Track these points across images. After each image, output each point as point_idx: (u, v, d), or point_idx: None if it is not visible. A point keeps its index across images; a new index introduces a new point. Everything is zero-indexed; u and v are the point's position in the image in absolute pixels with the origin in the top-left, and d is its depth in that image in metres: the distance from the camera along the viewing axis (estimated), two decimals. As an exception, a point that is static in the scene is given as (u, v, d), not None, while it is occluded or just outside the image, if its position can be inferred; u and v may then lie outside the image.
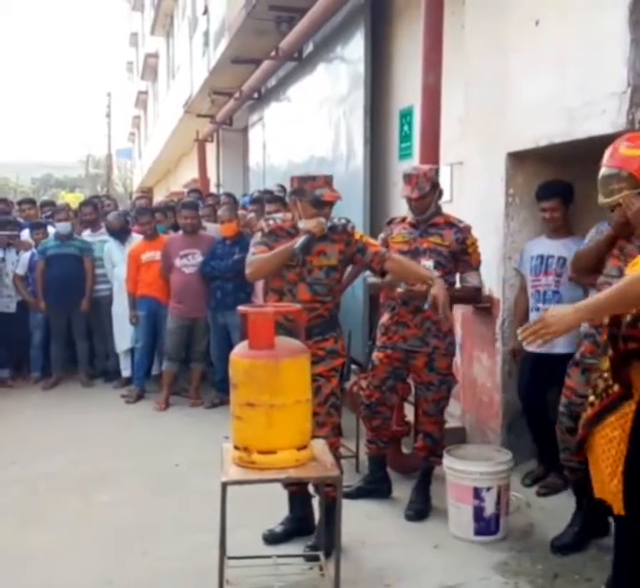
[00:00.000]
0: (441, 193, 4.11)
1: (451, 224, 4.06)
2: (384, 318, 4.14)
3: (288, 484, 3.62)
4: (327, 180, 3.59)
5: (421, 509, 4.02)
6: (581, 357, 3.46)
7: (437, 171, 4.10)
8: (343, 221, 3.62)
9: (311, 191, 3.51)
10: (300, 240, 3.46)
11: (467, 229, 4.06)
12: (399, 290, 3.97)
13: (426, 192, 3.97)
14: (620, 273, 3.18)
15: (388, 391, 4.13)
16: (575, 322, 2.56)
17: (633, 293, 2.46)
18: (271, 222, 3.66)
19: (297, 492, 3.72)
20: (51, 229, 7.57)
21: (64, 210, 7.86)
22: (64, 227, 7.30)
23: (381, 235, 4.24)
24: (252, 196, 7.96)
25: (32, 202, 8.97)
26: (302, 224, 3.53)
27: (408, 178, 4.01)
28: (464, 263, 4.05)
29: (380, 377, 4.10)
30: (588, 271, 3.60)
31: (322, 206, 3.53)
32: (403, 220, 4.20)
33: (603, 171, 3.08)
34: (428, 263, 3.96)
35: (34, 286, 7.33)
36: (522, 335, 2.58)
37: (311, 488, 3.68)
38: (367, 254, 3.58)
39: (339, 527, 2.88)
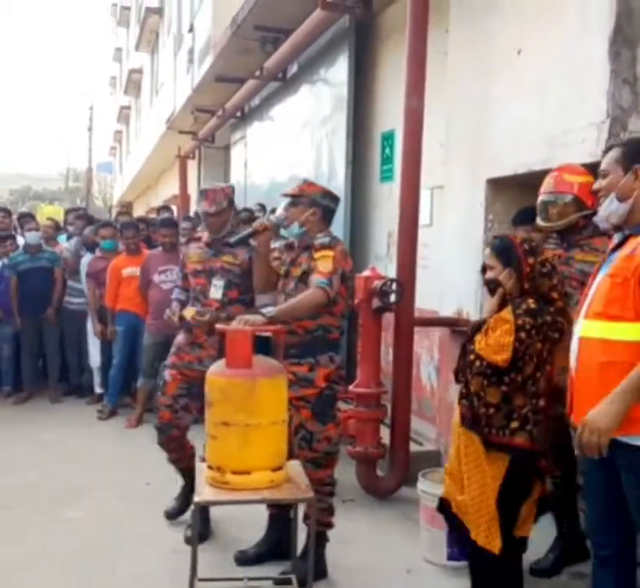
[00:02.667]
0: (237, 212, 4.13)
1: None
2: (180, 337, 4.10)
3: (269, 505, 3.58)
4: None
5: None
6: None
7: (233, 190, 4.10)
8: (322, 240, 3.48)
9: None
10: None
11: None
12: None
13: (223, 208, 3.93)
14: (567, 298, 3.24)
15: (182, 410, 3.99)
16: (622, 414, 2.29)
17: None
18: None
19: (277, 514, 3.67)
20: (20, 240, 7.51)
21: (35, 221, 7.80)
22: (33, 237, 7.23)
23: (180, 256, 4.25)
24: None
25: (6, 211, 8.79)
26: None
27: (205, 194, 3.96)
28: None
29: (171, 395, 3.98)
30: None
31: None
32: (196, 239, 4.15)
33: (547, 197, 3.36)
34: (219, 283, 3.93)
35: (3, 299, 7.23)
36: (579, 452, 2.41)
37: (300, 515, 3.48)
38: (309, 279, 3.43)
39: (312, 551, 2.86)
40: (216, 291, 3.93)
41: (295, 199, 3.54)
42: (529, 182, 4.33)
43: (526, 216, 4.29)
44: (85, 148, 40.07)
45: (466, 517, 2.91)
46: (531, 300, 2.80)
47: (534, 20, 4.16)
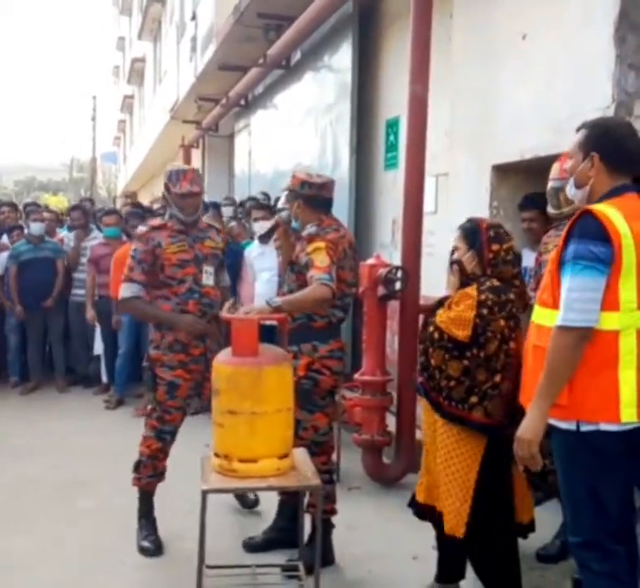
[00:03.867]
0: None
1: (211, 226, 4.06)
2: (178, 336, 3.77)
3: (279, 492, 3.59)
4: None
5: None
6: None
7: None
8: (309, 231, 3.44)
9: None
10: None
11: (220, 230, 4.16)
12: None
13: (203, 188, 3.97)
14: None
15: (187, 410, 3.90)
16: (542, 420, 2.30)
17: (565, 357, 2.23)
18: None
19: (288, 501, 3.67)
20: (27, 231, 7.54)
21: (39, 211, 7.83)
22: (37, 228, 7.25)
23: (140, 248, 3.80)
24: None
25: (12, 205, 8.83)
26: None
27: (183, 174, 3.83)
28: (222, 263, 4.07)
29: (184, 397, 3.84)
30: None
31: None
32: (160, 228, 3.86)
33: (555, 183, 3.32)
34: (210, 269, 3.88)
35: (9, 289, 7.26)
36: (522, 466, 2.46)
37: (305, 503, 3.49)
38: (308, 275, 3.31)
39: (319, 539, 2.87)
40: (208, 277, 3.85)
41: (287, 194, 3.59)
42: (534, 168, 4.32)
43: (531, 202, 4.29)
44: (89, 138, 39.97)
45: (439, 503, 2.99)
46: (494, 280, 2.88)
47: (539, 5, 4.14)
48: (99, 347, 7.21)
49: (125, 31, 28.64)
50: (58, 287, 7.25)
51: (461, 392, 2.83)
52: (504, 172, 4.61)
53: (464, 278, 2.95)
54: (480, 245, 2.93)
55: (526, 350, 2.51)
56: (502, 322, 2.81)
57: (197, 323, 3.76)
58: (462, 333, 2.79)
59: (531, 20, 4.19)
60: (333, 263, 3.29)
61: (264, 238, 4.14)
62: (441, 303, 2.97)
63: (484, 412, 2.83)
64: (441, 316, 2.87)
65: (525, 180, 4.59)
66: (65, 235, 7.87)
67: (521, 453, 2.33)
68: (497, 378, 2.84)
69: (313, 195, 3.51)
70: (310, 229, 3.43)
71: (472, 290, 2.85)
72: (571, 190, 2.47)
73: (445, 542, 3.07)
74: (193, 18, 11.99)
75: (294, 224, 3.59)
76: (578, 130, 2.48)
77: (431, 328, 2.89)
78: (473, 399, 2.83)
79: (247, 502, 4.21)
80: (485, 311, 2.79)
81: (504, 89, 4.44)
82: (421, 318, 4.74)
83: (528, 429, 2.30)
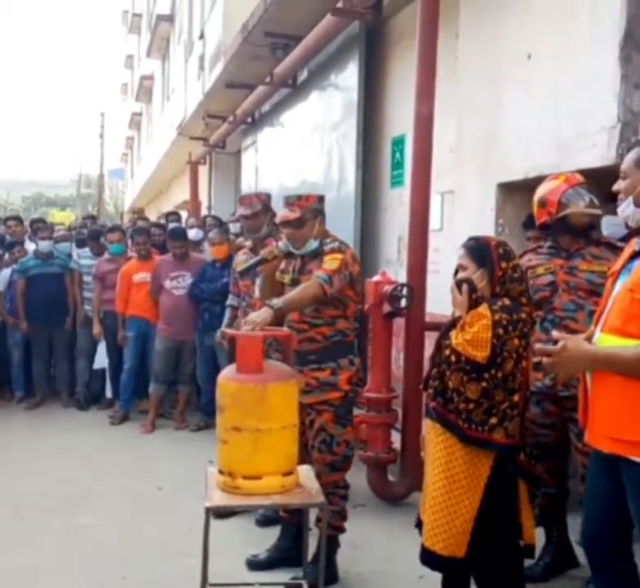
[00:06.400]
0: (273, 217, 4.27)
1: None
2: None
3: (282, 510, 3.59)
4: (287, 201, 3.61)
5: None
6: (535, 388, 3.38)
7: (268, 197, 4.67)
8: (332, 245, 3.52)
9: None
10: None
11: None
12: None
13: (257, 211, 4.43)
14: (578, 307, 3.26)
15: None
16: (583, 370, 2.35)
17: None
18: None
19: (289, 520, 3.66)
20: (28, 246, 7.57)
21: (48, 229, 7.87)
22: (46, 246, 7.29)
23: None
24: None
25: (18, 219, 8.88)
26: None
27: (242, 199, 4.68)
28: None
29: None
30: None
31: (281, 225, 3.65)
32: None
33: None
34: (260, 283, 4.12)
35: (13, 303, 7.27)
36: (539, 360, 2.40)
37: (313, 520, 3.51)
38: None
39: (323, 556, 2.85)
40: (257, 291, 4.07)
41: (299, 223, 3.50)
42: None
43: (534, 220, 4.28)
44: (96, 154, 40.20)
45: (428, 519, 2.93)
46: (505, 299, 2.85)
47: (544, 25, 4.17)
48: (100, 362, 7.18)
49: (133, 49, 28.90)
50: (72, 303, 7.26)
51: (480, 414, 2.79)
52: (509, 190, 4.62)
53: (474, 298, 2.91)
54: (491, 263, 2.90)
55: (601, 383, 2.35)
56: (516, 341, 2.78)
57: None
58: (481, 354, 2.74)
59: (536, 39, 4.22)
60: (339, 271, 3.37)
61: (245, 274, 4.25)
62: (453, 324, 2.91)
63: (505, 432, 2.79)
64: (456, 338, 2.80)
65: (530, 198, 4.58)
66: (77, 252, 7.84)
67: (562, 365, 2.30)
68: (516, 398, 2.82)
69: (323, 209, 3.63)
70: (331, 244, 3.52)
71: (484, 310, 2.80)
72: (628, 209, 2.41)
73: (444, 563, 2.99)
74: (201, 37, 12.10)
75: (301, 251, 3.56)
76: (628, 150, 2.48)
77: (447, 351, 2.83)
78: (493, 421, 2.79)
79: (263, 520, 4.20)
80: (500, 331, 2.75)
81: (509, 108, 4.46)
82: (428, 336, 4.75)
83: (584, 363, 2.30)
